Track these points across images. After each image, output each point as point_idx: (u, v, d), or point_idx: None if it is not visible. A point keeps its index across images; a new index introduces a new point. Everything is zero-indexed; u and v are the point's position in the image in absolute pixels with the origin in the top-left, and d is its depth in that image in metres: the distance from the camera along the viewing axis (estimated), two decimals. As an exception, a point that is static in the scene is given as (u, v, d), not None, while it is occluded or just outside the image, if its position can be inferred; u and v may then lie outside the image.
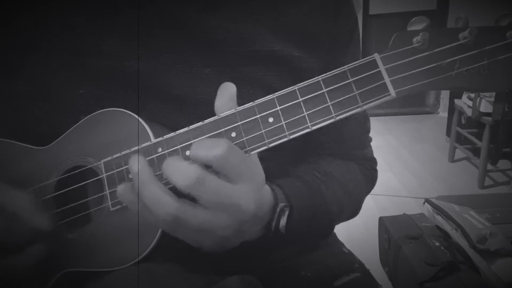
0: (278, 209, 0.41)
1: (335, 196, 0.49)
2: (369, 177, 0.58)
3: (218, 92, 0.38)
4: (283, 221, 0.42)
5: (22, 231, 0.41)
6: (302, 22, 0.49)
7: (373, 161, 0.60)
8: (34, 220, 0.41)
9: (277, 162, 0.50)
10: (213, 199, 0.34)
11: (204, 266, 0.43)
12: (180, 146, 0.38)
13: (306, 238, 0.49)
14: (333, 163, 0.53)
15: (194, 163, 0.34)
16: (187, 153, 0.38)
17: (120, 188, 0.37)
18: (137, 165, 0.36)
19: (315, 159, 0.54)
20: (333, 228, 0.52)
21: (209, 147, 0.34)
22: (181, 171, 0.34)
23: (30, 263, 0.42)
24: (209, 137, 0.37)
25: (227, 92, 0.38)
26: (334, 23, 0.51)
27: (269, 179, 0.45)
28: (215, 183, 0.34)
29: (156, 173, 0.37)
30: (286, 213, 0.42)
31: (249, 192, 0.36)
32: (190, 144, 0.37)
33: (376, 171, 0.60)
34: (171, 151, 0.38)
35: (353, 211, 0.56)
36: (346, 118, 0.54)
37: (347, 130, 0.56)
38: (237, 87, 0.46)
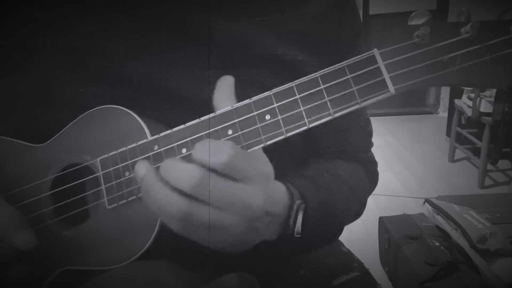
0: (295, 207, 0.41)
1: (343, 196, 0.49)
2: (372, 178, 0.58)
3: (217, 85, 0.37)
4: (299, 219, 0.41)
5: (3, 250, 0.40)
6: (307, 25, 0.49)
7: (375, 164, 0.60)
8: (15, 239, 0.40)
9: (279, 164, 0.50)
10: (219, 198, 0.33)
11: (201, 263, 0.43)
12: (177, 143, 0.37)
13: (318, 239, 0.48)
14: (339, 164, 0.53)
15: (195, 163, 0.33)
16: (183, 150, 0.37)
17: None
18: (143, 168, 0.36)
19: (321, 160, 0.54)
20: (342, 228, 0.51)
21: (213, 152, 0.33)
22: (183, 172, 0.33)
23: (13, 281, 0.41)
24: (206, 135, 0.37)
25: (225, 84, 0.37)
26: (339, 27, 0.50)
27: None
28: (220, 183, 0.33)
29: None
30: (302, 211, 0.41)
31: (256, 190, 0.35)
32: (187, 141, 0.37)
33: (377, 173, 0.60)
34: (167, 148, 0.38)
35: (358, 211, 0.55)
36: (348, 122, 0.55)
37: (349, 135, 0.56)
38: (239, 90, 0.46)
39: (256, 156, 0.36)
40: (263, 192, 0.35)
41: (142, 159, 0.38)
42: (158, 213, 0.35)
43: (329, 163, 0.53)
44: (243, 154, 0.34)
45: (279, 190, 0.40)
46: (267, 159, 0.37)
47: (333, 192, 0.47)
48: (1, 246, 0.40)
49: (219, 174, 0.33)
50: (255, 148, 0.36)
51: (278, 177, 0.45)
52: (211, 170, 0.33)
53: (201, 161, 0.33)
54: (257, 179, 0.35)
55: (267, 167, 0.37)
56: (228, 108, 0.36)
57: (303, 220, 0.41)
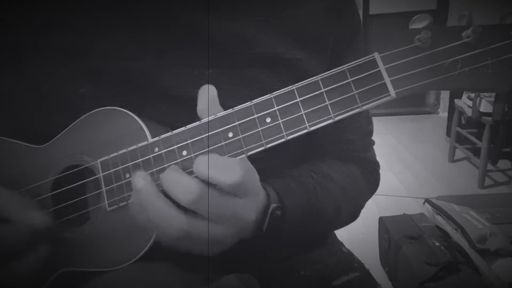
0: (269, 210, 0.41)
1: (332, 198, 0.49)
2: (371, 180, 0.58)
3: (199, 96, 0.37)
4: (267, 221, 0.41)
5: (16, 234, 0.39)
6: (305, 23, 0.49)
7: (376, 164, 0.60)
8: (27, 219, 0.40)
9: (278, 164, 0.50)
10: (214, 213, 0.33)
11: (201, 264, 0.43)
12: (177, 146, 0.37)
13: (301, 239, 0.48)
14: (332, 165, 0.53)
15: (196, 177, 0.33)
16: (184, 153, 0.37)
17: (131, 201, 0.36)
18: (141, 180, 0.35)
19: (315, 161, 0.54)
20: (329, 230, 0.51)
21: (223, 171, 0.32)
22: (182, 187, 0.33)
23: (34, 266, 0.40)
24: (206, 137, 0.37)
25: (207, 95, 0.37)
26: (337, 25, 0.51)
27: (267, 179, 0.44)
28: (217, 198, 0.33)
29: (150, 171, 0.38)
30: (278, 215, 0.42)
31: (250, 203, 0.35)
32: (187, 144, 0.37)
33: (378, 174, 0.60)
34: (168, 151, 0.38)
35: (353, 214, 0.55)
36: (348, 120, 0.55)
37: (349, 133, 0.56)
38: (238, 89, 0.46)
39: (254, 170, 0.36)
40: (255, 206, 0.36)
41: (141, 170, 0.38)
42: (154, 227, 0.35)
43: (323, 163, 0.53)
44: (251, 172, 0.35)
45: (261, 197, 0.40)
46: (255, 171, 0.37)
47: (319, 194, 0.47)
48: (18, 229, 0.39)
49: (219, 189, 0.33)
50: (255, 151, 0.36)
51: (273, 175, 0.45)
52: (213, 185, 0.33)
53: (205, 178, 0.33)
54: (251, 192, 0.35)
55: (257, 178, 0.37)
56: (229, 110, 0.36)
57: (280, 221, 0.42)
